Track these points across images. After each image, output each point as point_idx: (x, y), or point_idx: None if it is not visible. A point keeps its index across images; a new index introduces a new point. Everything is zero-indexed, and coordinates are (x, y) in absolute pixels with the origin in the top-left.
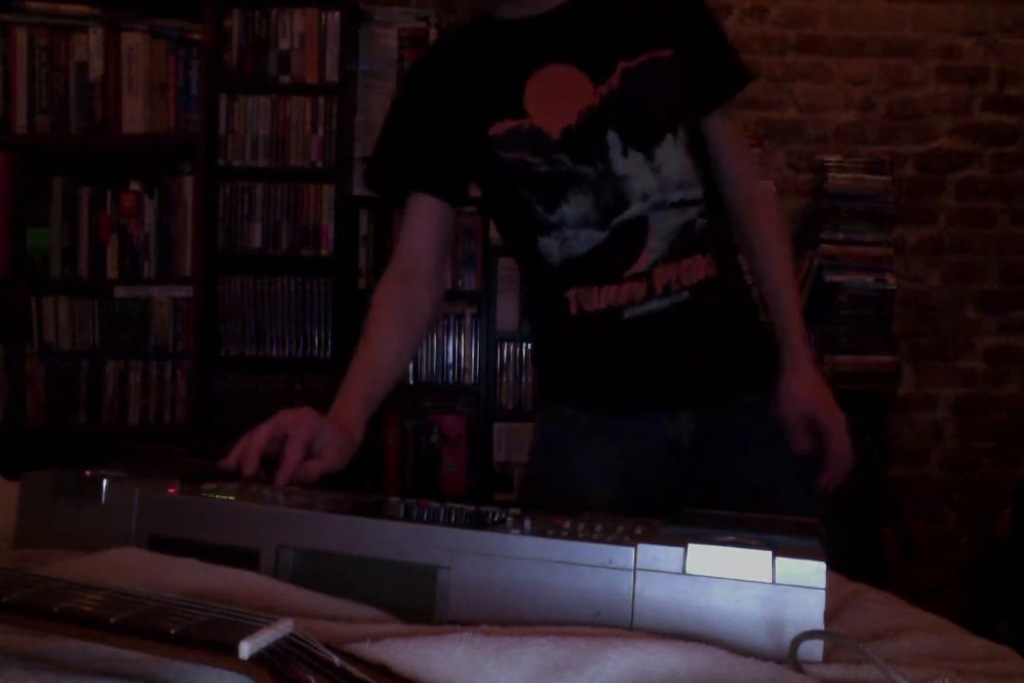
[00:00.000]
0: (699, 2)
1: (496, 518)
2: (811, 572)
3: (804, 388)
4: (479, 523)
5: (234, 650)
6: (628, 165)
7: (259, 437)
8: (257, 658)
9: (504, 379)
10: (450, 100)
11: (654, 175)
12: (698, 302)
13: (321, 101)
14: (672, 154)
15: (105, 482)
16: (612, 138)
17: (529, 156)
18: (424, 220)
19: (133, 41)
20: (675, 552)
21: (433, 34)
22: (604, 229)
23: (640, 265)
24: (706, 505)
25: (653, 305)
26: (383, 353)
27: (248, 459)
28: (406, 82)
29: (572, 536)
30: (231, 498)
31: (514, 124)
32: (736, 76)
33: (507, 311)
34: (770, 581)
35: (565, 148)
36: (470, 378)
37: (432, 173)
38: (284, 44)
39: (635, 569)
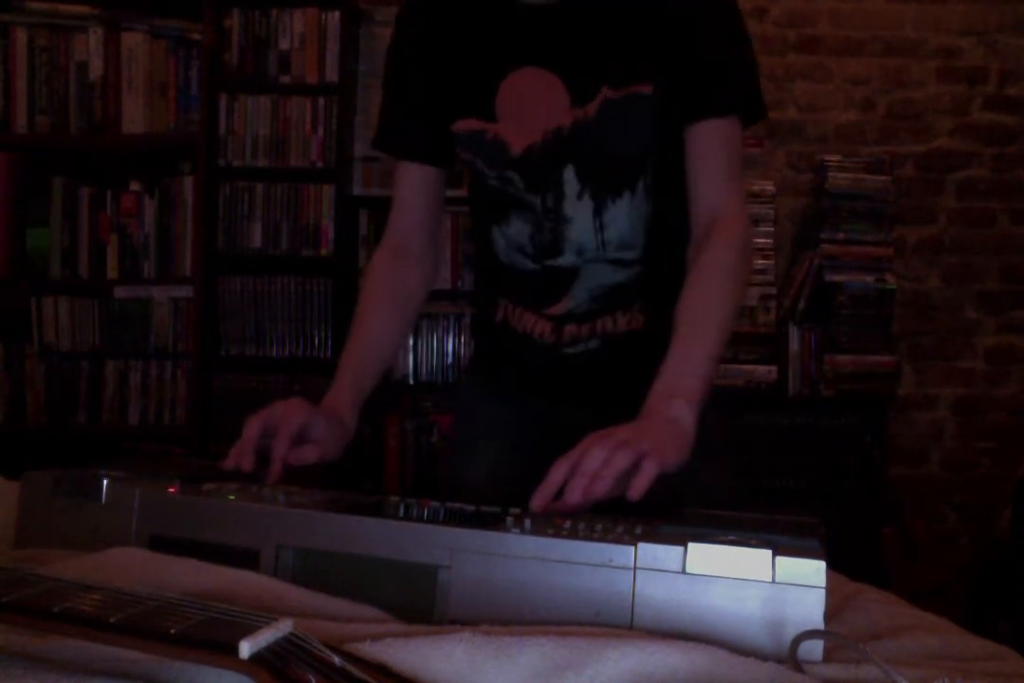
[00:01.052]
0: (714, 20)
1: (496, 518)
2: (811, 571)
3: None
4: (479, 523)
5: (234, 650)
6: (577, 209)
7: (250, 432)
8: (257, 658)
9: None
10: (436, 58)
11: (596, 233)
12: (613, 353)
13: (321, 101)
14: (624, 213)
15: (105, 482)
16: (570, 174)
17: (483, 165)
18: (414, 191)
19: (133, 41)
20: (675, 551)
21: None
22: (536, 263)
23: (559, 309)
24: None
25: (563, 349)
26: (374, 337)
27: (244, 455)
28: (397, 25)
29: (572, 535)
30: (231, 498)
31: (478, 127)
32: (731, 99)
33: None
34: (770, 580)
35: (520, 168)
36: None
37: (419, 139)
38: (284, 44)
39: (635, 568)
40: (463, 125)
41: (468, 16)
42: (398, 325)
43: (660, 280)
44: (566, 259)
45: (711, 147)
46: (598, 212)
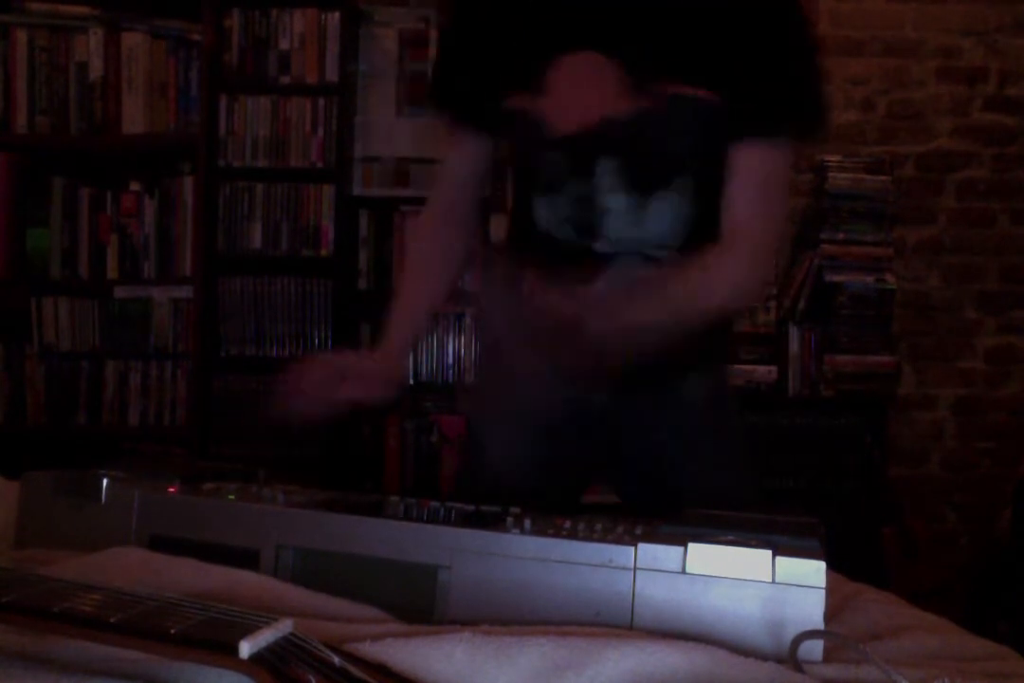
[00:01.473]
0: (790, 22)
1: (496, 518)
2: (811, 571)
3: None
4: (479, 523)
5: (234, 650)
6: (615, 201)
7: (306, 375)
8: (257, 658)
9: None
10: (497, 27)
11: (634, 227)
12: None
13: (321, 101)
14: (667, 211)
15: (105, 482)
16: (611, 165)
17: (527, 145)
18: (462, 157)
19: (133, 41)
20: (675, 551)
21: (433, 34)
22: (578, 241)
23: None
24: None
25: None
26: (422, 293)
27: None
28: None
29: (572, 535)
30: (231, 498)
31: (527, 105)
32: (780, 122)
33: None
34: (770, 580)
35: (564, 149)
36: (470, 378)
37: (473, 103)
38: (284, 44)
39: (635, 568)
40: (511, 102)
41: None
42: (444, 284)
43: None
44: (600, 246)
45: (751, 167)
46: (638, 206)
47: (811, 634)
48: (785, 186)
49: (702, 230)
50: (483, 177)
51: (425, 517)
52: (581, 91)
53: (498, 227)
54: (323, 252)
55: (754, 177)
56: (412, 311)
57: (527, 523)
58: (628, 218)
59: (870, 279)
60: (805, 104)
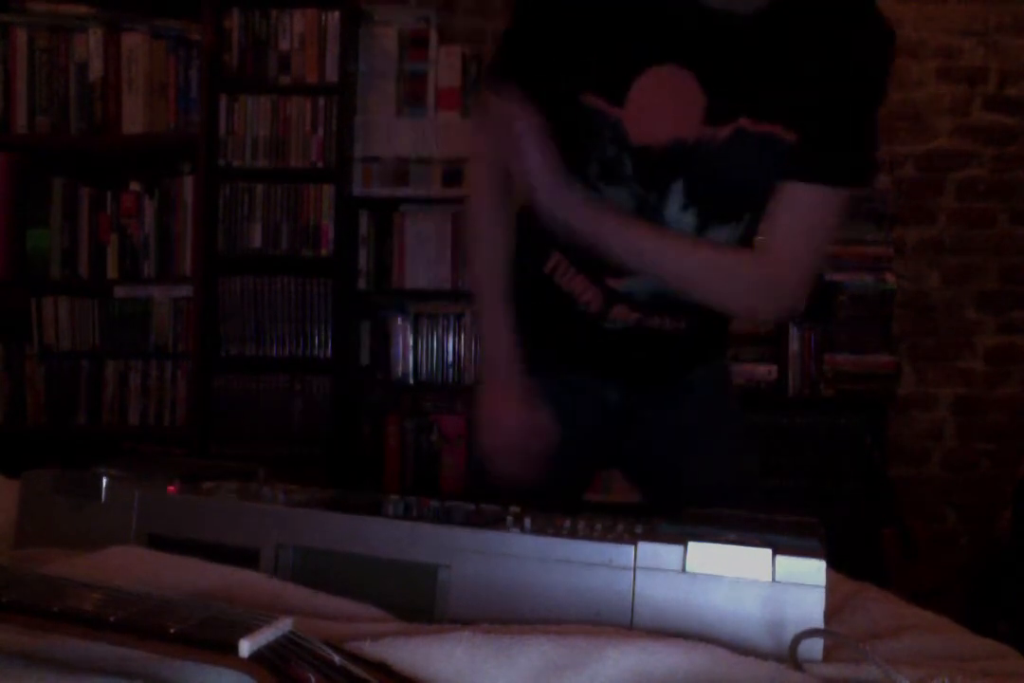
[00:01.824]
0: (875, 78)
1: (496, 517)
2: (811, 570)
3: None
4: (479, 522)
5: (234, 648)
6: (679, 220)
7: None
8: (257, 656)
9: None
10: (588, 23)
11: None
12: (649, 339)
13: (321, 101)
14: (724, 239)
15: (105, 482)
16: (679, 187)
17: (603, 140)
18: (531, 121)
19: (133, 41)
20: (675, 550)
21: (433, 34)
22: None
23: (618, 284)
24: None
25: (605, 324)
26: (508, 282)
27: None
28: None
29: (572, 535)
30: (231, 498)
31: (603, 107)
32: (831, 169)
33: None
34: (770, 580)
35: (634, 159)
36: (470, 378)
37: (543, 82)
38: (284, 44)
39: (635, 568)
40: (591, 101)
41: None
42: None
43: (708, 321)
44: None
45: (808, 205)
46: (700, 231)
47: (811, 633)
48: (831, 233)
49: None
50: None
51: (425, 516)
52: (663, 107)
53: None
54: (323, 252)
55: (809, 216)
56: (511, 319)
57: (527, 522)
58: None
59: (870, 279)
60: (866, 156)
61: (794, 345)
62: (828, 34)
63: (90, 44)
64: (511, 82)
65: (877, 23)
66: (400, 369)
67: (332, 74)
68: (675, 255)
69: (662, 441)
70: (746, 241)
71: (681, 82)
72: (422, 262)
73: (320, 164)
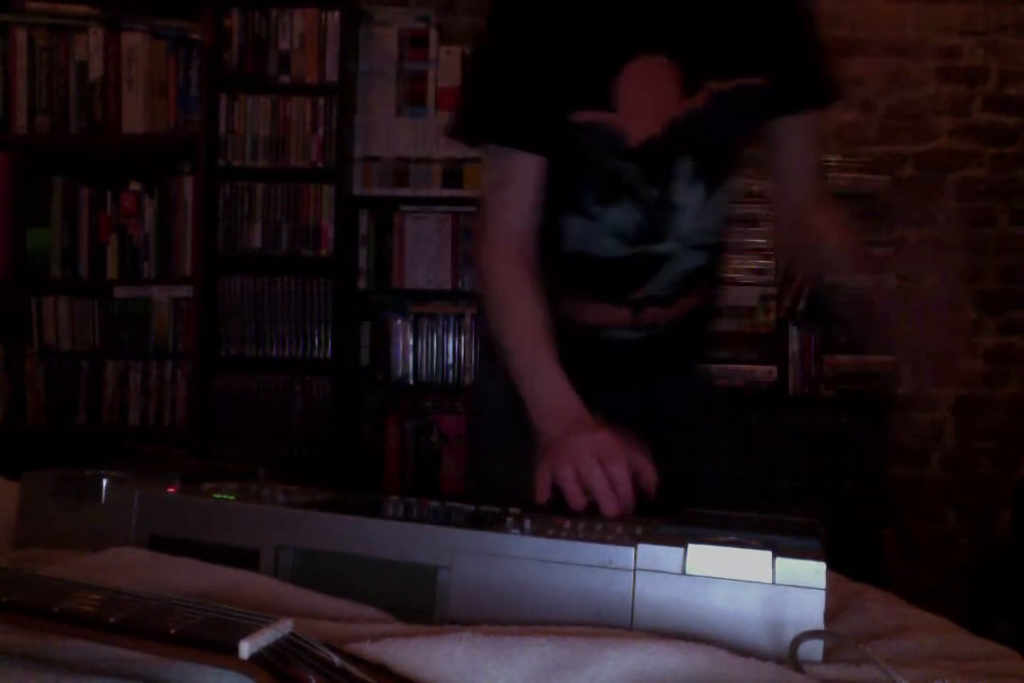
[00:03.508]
0: (804, 16)
1: (496, 518)
2: (811, 572)
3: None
4: (479, 523)
5: (234, 649)
6: (688, 196)
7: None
8: (257, 658)
9: None
10: (554, 47)
11: (702, 216)
12: (672, 334)
13: (321, 101)
14: (723, 200)
15: (105, 482)
16: (686, 165)
17: (601, 155)
18: (530, 185)
19: (133, 41)
20: (675, 552)
21: (433, 34)
22: (630, 249)
23: (639, 293)
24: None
25: (631, 334)
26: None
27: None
28: (516, 13)
29: (572, 536)
30: (231, 498)
31: (597, 118)
32: (823, 92)
33: None
34: (770, 581)
35: (639, 159)
36: (470, 378)
37: (535, 128)
38: (284, 44)
39: (635, 569)
40: (582, 117)
41: (584, 6)
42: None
43: (719, 262)
44: (666, 246)
45: (812, 141)
46: (708, 199)
47: (811, 634)
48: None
49: (727, 212)
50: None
51: (425, 517)
52: (648, 96)
53: None
54: (323, 252)
55: (815, 147)
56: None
57: (527, 523)
58: (698, 213)
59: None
60: (831, 75)
61: (794, 345)
62: None
63: (90, 44)
64: (510, 136)
65: None
66: (400, 369)
67: (332, 74)
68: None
69: (673, 443)
70: (731, 202)
71: (657, 67)
72: (422, 262)
73: (320, 164)
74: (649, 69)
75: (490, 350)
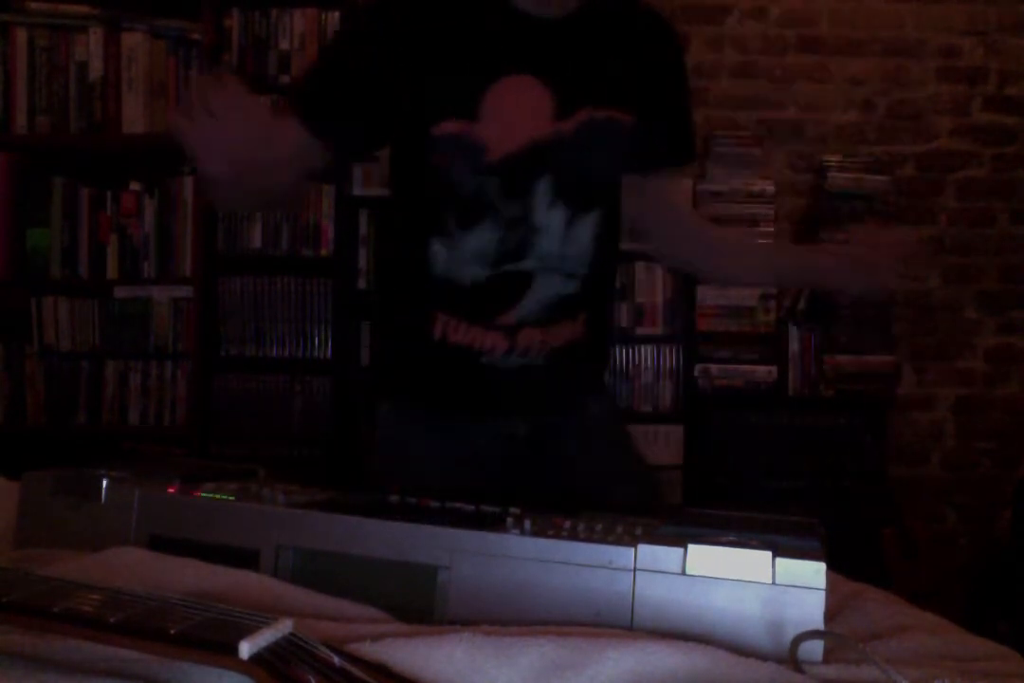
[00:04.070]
0: (681, 66)
1: (496, 518)
2: (811, 572)
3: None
4: (479, 523)
5: (234, 650)
6: (548, 218)
7: None
8: (257, 658)
9: None
10: (418, 56)
11: (565, 241)
12: (553, 364)
13: None
14: (587, 228)
15: (105, 482)
16: (545, 186)
17: (461, 170)
18: (288, 139)
19: (133, 41)
20: (675, 552)
21: None
22: (493, 269)
23: (510, 318)
24: (540, 486)
25: (510, 360)
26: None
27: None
28: (373, 11)
29: (572, 536)
30: (231, 498)
31: (459, 129)
32: (687, 151)
33: None
34: (770, 581)
35: (498, 173)
36: None
37: (328, 112)
38: (284, 44)
39: (635, 569)
40: (444, 128)
41: (459, 18)
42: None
43: (598, 294)
44: (527, 264)
45: (678, 192)
46: (569, 224)
47: (811, 634)
48: None
49: (603, 247)
50: (304, 171)
51: (425, 517)
52: (516, 114)
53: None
54: (323, 252)
55: (683, 199)
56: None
57: (527, 524)
58: (558, 236)
59: None
60: (690, 136)
61: (794, 345)
62: (627, 33)
63: (90, 44)
64: (313, 121)
65: (665, 25)
66: None
67: None
68: None
69: (564, 474)
70: (601, 235)
71: (527, 86)
72: None
73: None
74: (520, 88)
75: (399, 381)
